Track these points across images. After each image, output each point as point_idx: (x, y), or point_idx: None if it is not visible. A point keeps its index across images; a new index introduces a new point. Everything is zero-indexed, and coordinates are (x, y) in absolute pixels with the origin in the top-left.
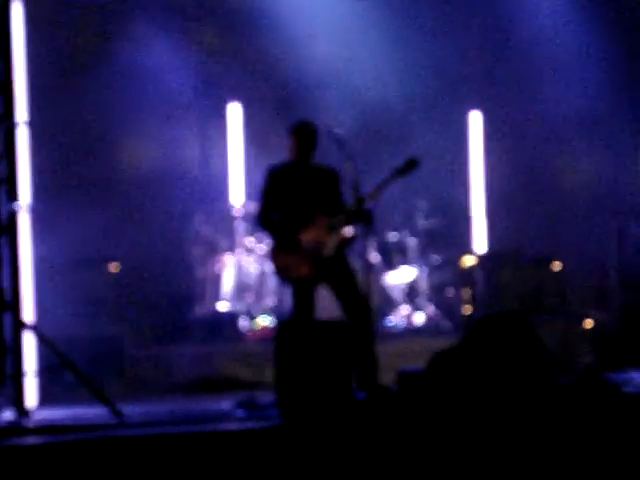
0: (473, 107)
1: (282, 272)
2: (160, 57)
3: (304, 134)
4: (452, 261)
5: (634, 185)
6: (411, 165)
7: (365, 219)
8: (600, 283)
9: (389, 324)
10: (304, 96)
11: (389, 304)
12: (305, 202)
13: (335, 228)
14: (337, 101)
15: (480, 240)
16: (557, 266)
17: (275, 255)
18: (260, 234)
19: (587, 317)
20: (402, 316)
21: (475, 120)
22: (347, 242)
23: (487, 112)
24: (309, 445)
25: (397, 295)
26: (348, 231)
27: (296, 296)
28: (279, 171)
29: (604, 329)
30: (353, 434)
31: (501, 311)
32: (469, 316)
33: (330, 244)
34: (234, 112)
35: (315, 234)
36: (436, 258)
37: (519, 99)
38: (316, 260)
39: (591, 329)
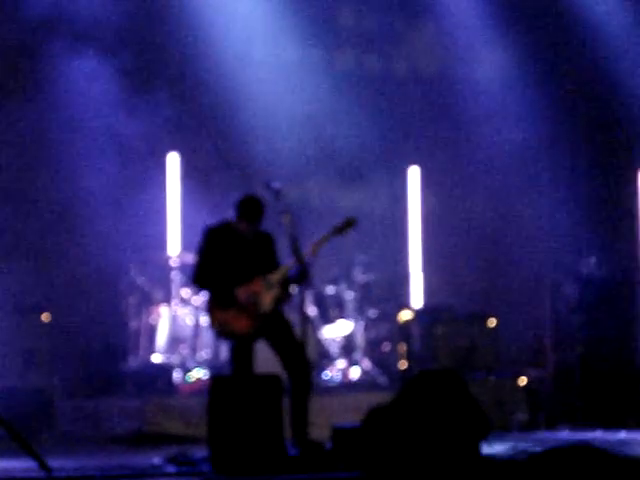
0: (412, 162)
1: (219, 327)
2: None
3: (251, 210)
4: (389, 315)
5: (569, 243)
6: (349, 224)
7: (302, 277)
8: (534, 340)
9: (325, 378)
10: (244, 147)
11: (325, 358)
12: (242, 263)
13: (272, 285)
14: (277, 154)
15: (416, 295)
16: (492, 322)
17: (212, 310)
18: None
19: (521, 374)
20: (338, 370)
21: (413, 175)
22: (284, 298)
23: (426, 167)
24: None
25: (333, 349)
26: (284, 288)
27: (234, 351)
28: (217, 231)
29: (538, 387)
30: None
31: (435, 368)
32: (405, 371)
33: (267, 300)
34: (173, 161)
35: (252, 290)
36: (373, 312)
37: (457, 154)
38: (253, 315)
39: (525, 386)
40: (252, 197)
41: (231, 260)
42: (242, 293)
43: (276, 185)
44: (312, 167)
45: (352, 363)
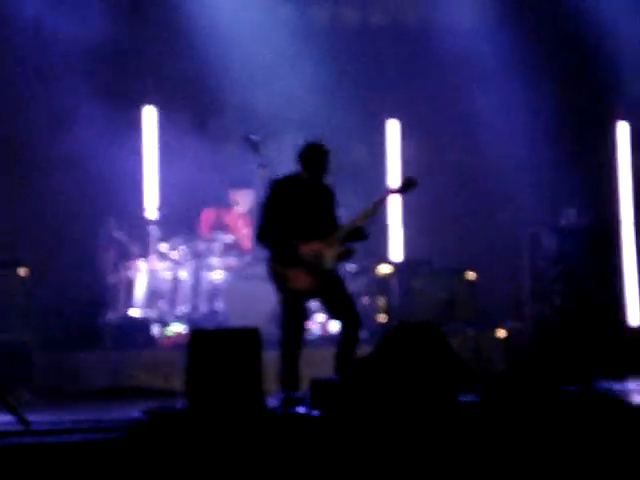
0: (391, 115)
1: (280, 283)
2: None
3: (315, 159)
4: (367, 269)
5: (548, 195)
6: (408, 185)
7: (361, 237)
8: (513, 293)
9: (311, 332)
10: (221, 100)
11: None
12: (306, 217)
13: (335, 243)
14: (254, 109)
15: (396, 249)
16: (471, 275)
17: (274, 266)
18: (174, 240)
19: (500, 326)
20: (317, 324)
21: (393, 128)
22: (346, 256)
23: (405, 120)
24: (218, 453)
25: (312, 303)
26: (346, 245)
27: (288, 307)
28: (281, 184)
29: (516, 338)
30: (263, 443)
31: (414, 321)
32: (384, 325)
33: (330, 258)
34: (149, 116)
35: (316, 247)
36: (352, 266)
37: (437, 107)
38: (316, 272)
39: (503, 338)
40: (313, 145)
41: (294, 214)
42: (306, 250)
43: (255, 137)
44: (289, 122)
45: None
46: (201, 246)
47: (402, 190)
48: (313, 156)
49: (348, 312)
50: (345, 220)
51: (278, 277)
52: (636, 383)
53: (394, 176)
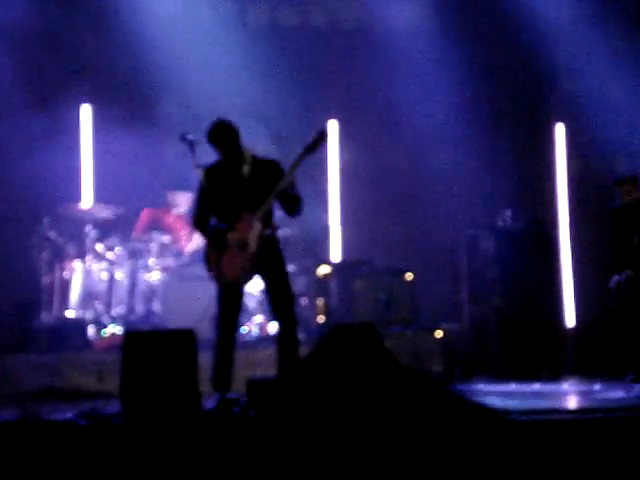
0: (330, 116)
1: (213, 272)
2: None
3: (219, 135)
4: (307, 270)
5: (485, 197)
6: (320, 138)
7: (290, 199)
8: (451, 294)
9: (243, 332)
10: (156, 97)
11: (244, 313)
12: (234, 200)
13: (255, 222)
14: (191, 108)
15: (334, 250)
16: (409, 276)
17: (208, 253)
18: (110, 240)
19: (437, 328)
20: (256, 325)
21: (332, 129)
22: (267, 233)
23: (344, 121)
24: (153, 456)
25: (251, 303)
26: (267, 222)
27: (223, 299)
28: (209, 173)
29: (454, 340)
30: (199, 444)
31: (353, 322)
32: (322, 325)
33: (252, 239)
34: (85, 113)
35: (242, 231)
36: (291, 266)
37: (376, 108)
38: (243, 258)
39: (441, 339)
40: (218, 122)
41: (221, 200)
42: (232, 235)
43: (190, 137)
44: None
45: (270, 318)
46: (138, 246)
47: (314, 145)
48: (220, 133)
49: (280, 304)
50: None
51: (212, 265)
52: (570, 384)
53: (333, 177)
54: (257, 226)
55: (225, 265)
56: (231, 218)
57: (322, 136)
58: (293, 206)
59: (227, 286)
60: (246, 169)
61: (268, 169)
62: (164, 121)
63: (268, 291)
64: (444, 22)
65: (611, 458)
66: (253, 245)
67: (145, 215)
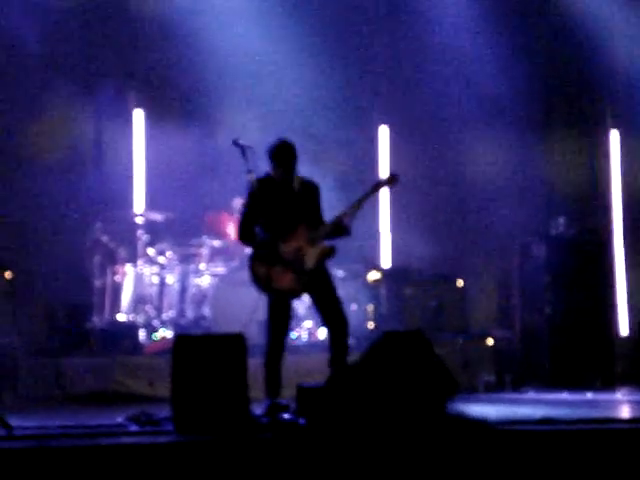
0: (382, 121)
1: (262, 283)
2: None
3: (281, 155)
4: (356, 276)
5: (539, 203)
6: (391, 181)
7: (344, 233)
8: (502, 302)
9: (292, 338)
10: (207, 104)
11: (293, 318)
12: (286, 215)
13: (316, 241)
14: (243, 112)
15: (385, 255)
16: (460, 283)
17: (255, 265)
18: (162, 244)
19: (488, 335)
20: (305, 330)
21: (383, 134)
22: (328, 255)
23: (395, 126)
24: (204, 461)
25: (301, 309)
26: (328, 244)
27: (272, 307)
28: (261, 184)
29: (505, 348)
30: (249, 450)
31: (402, 329)
32: (372, 332)
33: (311, 256)
34: (138, 118)
35: (296, 246)
36: (341, 272)
37: (427, 113)
38: (297, 272)
39: (492, 347)
40: (282, 142)
41: (273, 212)
42: (286, 249)
43: (243, 142)
44: (278, 128)
45: (319, 324)
46: (189, 251)
47: (386, 184)
48: (282, 154)
49: (335, 313)
50: (329, 218)
51: (259, 277)
52: (624, 393)
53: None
54: (320, 246)
55: (276, 276)
56: (283, 231)
57: (392, 179)
58: (340, 236)
59: (278, 295)
60: (296, 186)
61: (312, 190)
62: (214, 125)
63: (317, 301)
64: (494, 19)
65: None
66: (311, 262)
67: (218, 219)
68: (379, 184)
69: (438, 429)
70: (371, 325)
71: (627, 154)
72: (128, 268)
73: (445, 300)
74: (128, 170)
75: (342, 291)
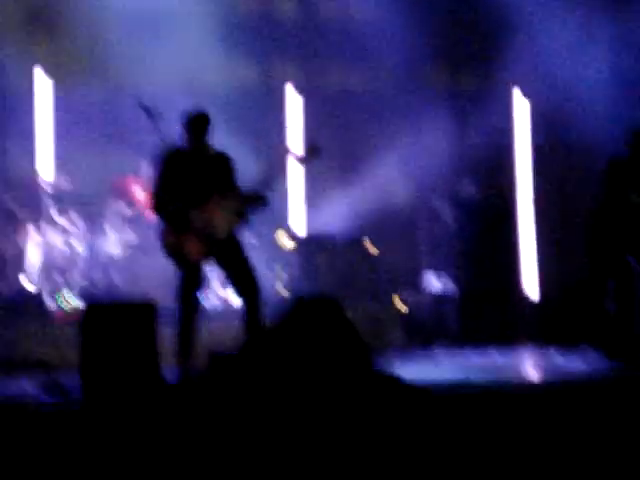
0: (292, 81)
1: (172, 252)
2: None
3: (196, 124)
4: (269, 242)
5: (446, 168)
6: (312, 153)
7: (261, 203)
8: (412, 266)
9: (205, 306)
10: (113, 65)
11: (205, 287)
12: (199, 184)
13: (229, 210)
14: (151, 73)
15: (297, 222)
16: (371, 248)
17: (166, 234)
18: (70, 211)
19: (399, 299)
20: (218, 297)
21: (296, 99)
22: (240, 224)
23: (306, 91)
24: (113, 429)
25: (214, 277)
26: (241, 213)
27: (183, 275)
28: (174, 152)
29: (416, 310)
30: (161, 418)
31: (315, 294)
32: (285, 299)
33: (223, 225)
34: (40, 77)
35: (208, 215)
36: (253, 240)
37: (343, 78)
38: (208, 241)
39: (403, 310)
40: (196, 112)
41: (186, 183)
42: (197, 218)
43: (148, 104)
44: (187, 92)
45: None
46: (97, 217)
47: (305, 159)
48: (198, 124)
49: (248, 281)
50: (243, 187)
51: (169, 246)
52: (527, 353)
53: (295, 143)
54: (232, 215)
55: (187, 246)
56: (195, 200)
57: (314, 151)
58: (256, 206)
59: (188, 264)
60: (209, 156)
61: (225, 160)
62: (123, 88)
63: (230, 270)
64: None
65: (566, 427)
66: (222, 231)
67: (124, 183)
68: (296, 157)
69: (353, 392)
70: (285, 292)
71: (536, 118)
72: (34, 233)
73: (356, 265)
74: (32, 132)
75: (255, 259)
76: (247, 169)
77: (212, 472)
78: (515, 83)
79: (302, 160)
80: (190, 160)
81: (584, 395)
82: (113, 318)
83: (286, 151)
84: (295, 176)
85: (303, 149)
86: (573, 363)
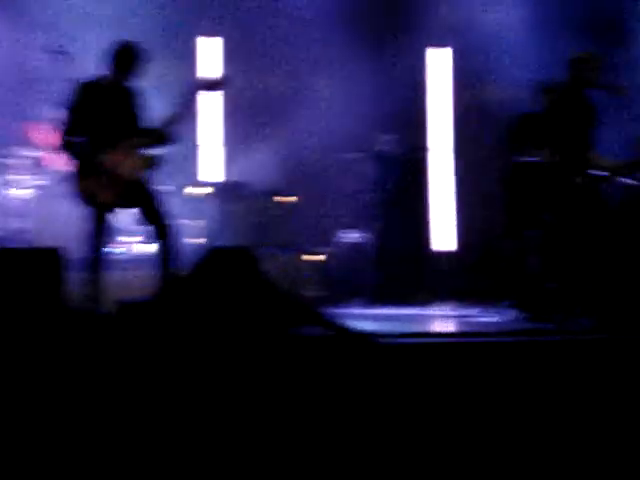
0: (213, 34)
1: (81, 195)
2: None
3: (120, 56)
4: (183, 191)
5: (365, 121)
6: (217, 82)
7: (168, 140)
8: (330, 218)
9: (116, 253)
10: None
11: (116, 232)
12: (109, 123)
13: (137, 150)
14: (60, 14)
15: (215, 171)
16: (289, 199)
17: (75, 177)
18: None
19: (315, 251)
20: (126, 245)
21: (209, 46)
22: (149, 165)
23: (228, 39)
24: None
25: (124, 223)
26: (149, 154)
27: (92, 220)
28: (84, 91)
29: (332, 263)
30: (64, 343)
31: (229, 245)
32: (201, 248)
33: (131, 167)
34: None
35: (116, 156)
36: (167, 187)
37: (258, 27)
38: (116, 183)
39: (318, 263)
40: (128, 45)
41: (100, 120)
42: (106, 159)
43: (58, 48)
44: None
45: (145, 239)
46: (6, 162)
47: (209, 87)
48: (127, 57)
49: (160, 226)
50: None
51: (78, 189)
52: (445, 308)
53: (212, 97)
54: (141, 156)
55: (95, 189)
56: (104, 141)
57: (220, 81)
58: (164, 144)
59: (97, 208)
60: (123, 93)
61: (133, 96)
62: (39, 30)
63: (141, 214)
64: None
65: (482, 382)
66: (131, 173)
67: (36, 129)
68: (200, 86)
69: (267, 342)
70: (200, 241)
71: (458, 74)
72: None
73: (272, 216)
74: None
75: (169, 206)
76: (155, 106)
77: (120, 424)
78: (432, 34)
79: (205, 88)
80: (101, 97)
81: (495, 348)
82: (15, 263)
83: (196, 84)
84: (214, 123)
85: (207, 78)
86: (488, 317)
